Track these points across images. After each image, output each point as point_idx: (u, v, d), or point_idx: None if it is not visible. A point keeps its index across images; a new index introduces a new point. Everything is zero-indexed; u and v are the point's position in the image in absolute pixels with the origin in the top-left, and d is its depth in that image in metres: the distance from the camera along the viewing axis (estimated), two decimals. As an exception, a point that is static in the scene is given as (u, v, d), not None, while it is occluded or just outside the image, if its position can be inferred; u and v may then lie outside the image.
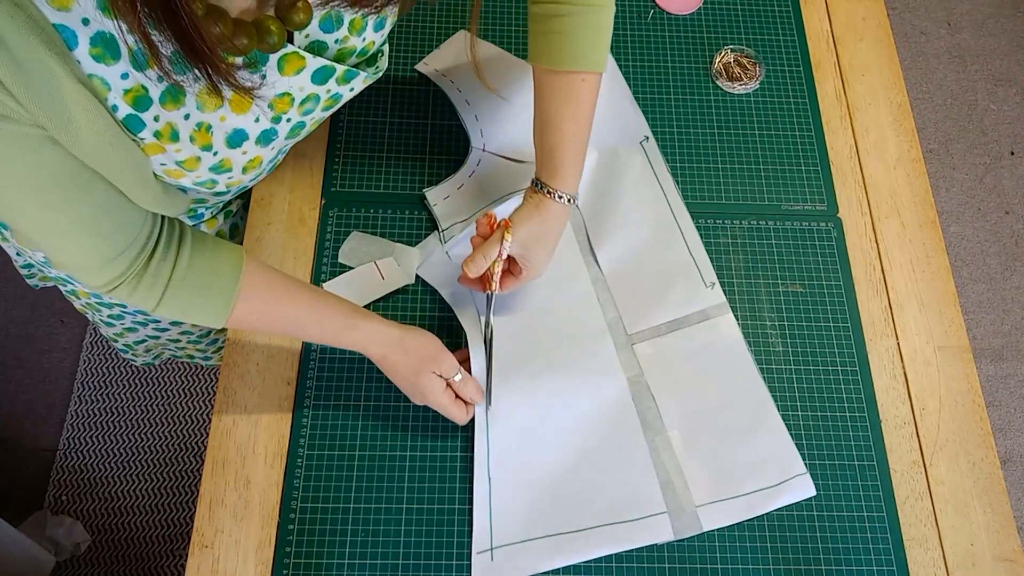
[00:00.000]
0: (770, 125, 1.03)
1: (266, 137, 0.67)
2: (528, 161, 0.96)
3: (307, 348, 0.87)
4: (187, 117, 0.59)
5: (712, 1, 1.11)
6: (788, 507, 0.82)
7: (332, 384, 0.86)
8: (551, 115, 0.80)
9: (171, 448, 1.62)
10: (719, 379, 0.87)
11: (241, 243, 0.95)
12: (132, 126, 0.56)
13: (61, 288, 1.03)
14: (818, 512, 0.82)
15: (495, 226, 0.83)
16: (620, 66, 1.05)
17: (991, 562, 0.82)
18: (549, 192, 0.81)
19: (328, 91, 0.68)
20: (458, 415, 0.81)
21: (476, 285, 0.85)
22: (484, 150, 0.98)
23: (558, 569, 0.79)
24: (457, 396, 0.81)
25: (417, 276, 0.91)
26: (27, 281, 1.14)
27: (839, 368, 0.89)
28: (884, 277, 0.95)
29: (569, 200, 0.82)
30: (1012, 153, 2.09)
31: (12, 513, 1.42)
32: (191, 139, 0.61)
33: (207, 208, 0.89)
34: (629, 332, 0.89)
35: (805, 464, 0.84)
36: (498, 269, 0.82)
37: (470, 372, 0.83)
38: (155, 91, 0.56)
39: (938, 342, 0.92)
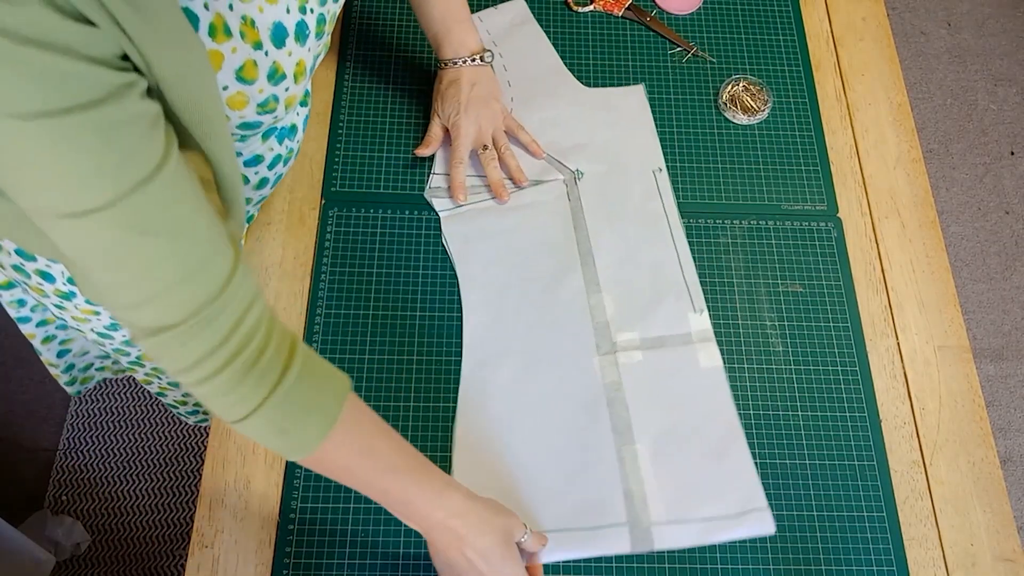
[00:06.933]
0: (770, 125, 1.03)
1: (301, 31, 0.68)
2: (552, 157, 0.98)
3: (307, 348, 0.87)
4: (231, 7, 0.61)
5: (712, 1, 1.11)
6: (788, 507, 0.82)
7: (332, 384, 0.86)
8: None
9: (171, 448, 1.62)
10: (694, 402, 0.86)
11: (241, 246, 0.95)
12: (190, 21, 0.57)
13: (124, 360, 1.01)
14: (818, 512, 0.82)
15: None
16: (620, 65, 1.05)
17: (991, 562, 0.82)
18: (465, 61, 0.92)
19: None
20: None
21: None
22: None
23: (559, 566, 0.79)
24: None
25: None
26: (65, 388, 1.13)
27: (839, 368, 0.89)
28: (884, 277, 0.95)
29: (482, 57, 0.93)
30: (1012, 153, 2.09)
31: (12, 513, 1.42)
32: (242, 35, 0.62)
33: None
34: (614, 339, 0.88)
35: (769, 499, 0.81)
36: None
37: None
38: None
39: (938, 342, 0.92)
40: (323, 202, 0.95)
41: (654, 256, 0.93)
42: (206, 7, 0.59)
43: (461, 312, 0.90)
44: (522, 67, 1.04)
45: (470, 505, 0.69)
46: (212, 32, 0.60)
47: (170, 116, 0.53)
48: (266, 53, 0.65)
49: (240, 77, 0.63)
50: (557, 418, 0.84)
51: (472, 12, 1.04)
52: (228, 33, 0.61)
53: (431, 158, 0.98)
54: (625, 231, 0.95)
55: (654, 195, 0.97)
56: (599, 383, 0.86)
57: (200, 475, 1.01)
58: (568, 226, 0.94)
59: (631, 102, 1.02)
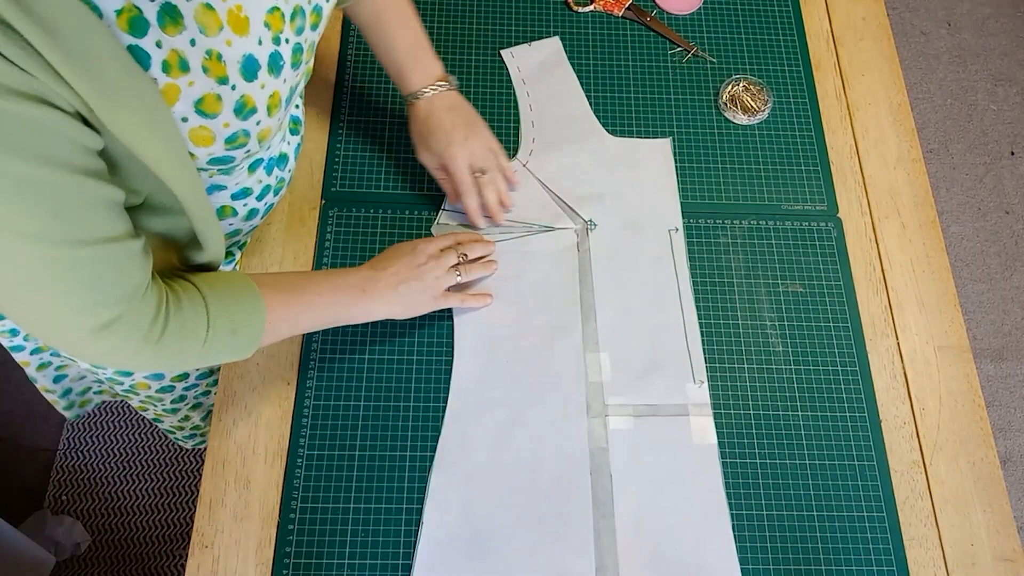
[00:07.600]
0: (770, 125, 1.03)
1: (274, 63, 0.65)
2: (567, 204, 0.96)
3: (307, 349, 0.88)
4: (193, 43, 0.58)
5: (712, 1, 1.11)
6: (788, 507, 0.83)
7: (332, 384, 0.86)
8: (390, 22, 0.88)
9: (171, 448, 1.62)
10: (681, 478, 0.82)
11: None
12: (139, 59, 0.55)
13: (118, 388, 1.01)
14: (818, 512, 0.83)
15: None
16: (620, 65, 1.05)
17: (991, 562, 0.82)
18: (436, 89, 0.89)
19: (309, 1, 0.69)
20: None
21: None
22: (525, 165, 0.98)
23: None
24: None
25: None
26: (64, 413, 1.13)
27: (839, 368, 0.89)
28: (884, 277, 0.95)
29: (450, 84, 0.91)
30: (1012, 153, 2.09)
31: (12, 513, 1.43)
32: (204, 69, 0.59)
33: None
34: (606, 402, 0.85)
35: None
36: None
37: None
38: (150, 11, 0.54)
39: (938, 342, 0.92)
40: (323, 202, 0.95)
41: (659, 320, 0.90)
42: (158, 45, 0.56)
43: (461, 312, 0.90)
44: (548, 109, 1.01)
45: (376, 277, 0.81)
46: (166, 68, 0.57)
47: (126, 156, 0.57)
48: (233, 87, 0.62)
49: (200, 110, 0.60)
50: (538, 480, 0.82)
51: (506, 47, 1.06)
52: (185, 68, 0.58)
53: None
54: (632, 290, 0.91)
55: (667, 256, 0.94)
56: (585, 447, 0.83)
57: (200, 475, 1.01)
58: (573, 279, 0.91)
59: (656, 157, 0.99)
